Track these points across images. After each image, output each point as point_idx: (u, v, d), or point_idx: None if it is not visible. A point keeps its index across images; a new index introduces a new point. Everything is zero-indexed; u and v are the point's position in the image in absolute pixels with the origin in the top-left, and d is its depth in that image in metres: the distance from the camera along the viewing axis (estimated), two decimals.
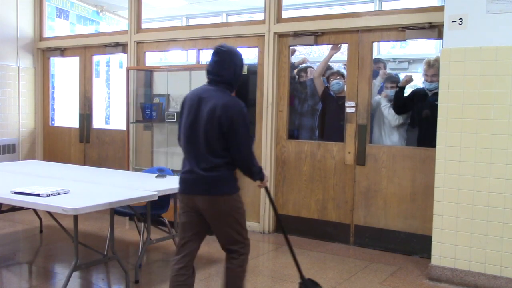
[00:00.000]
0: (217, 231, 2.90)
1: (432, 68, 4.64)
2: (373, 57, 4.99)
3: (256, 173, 2.96)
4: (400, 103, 4.85)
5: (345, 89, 5.06)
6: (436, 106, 3.98)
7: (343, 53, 5.60)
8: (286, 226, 5.32)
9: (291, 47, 5.32)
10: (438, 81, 4.61)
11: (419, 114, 4.81)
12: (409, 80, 4.92)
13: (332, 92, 5.29)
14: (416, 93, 4.92)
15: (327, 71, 5.43)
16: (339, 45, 5.14)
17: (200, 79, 5.55)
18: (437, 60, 4.58)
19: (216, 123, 2.73)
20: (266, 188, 3.21)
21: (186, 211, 2.90)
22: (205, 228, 2.94)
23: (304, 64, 5.76)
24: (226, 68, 2.85)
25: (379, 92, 5.11)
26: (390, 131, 4.93)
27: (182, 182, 2.89)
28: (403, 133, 4.91)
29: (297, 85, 5.67)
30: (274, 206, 3.52)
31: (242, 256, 2.92)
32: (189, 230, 2.91)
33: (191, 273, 2.91)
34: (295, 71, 5.68)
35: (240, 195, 2.95)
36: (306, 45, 5.42)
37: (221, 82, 2.86)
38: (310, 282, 3.33)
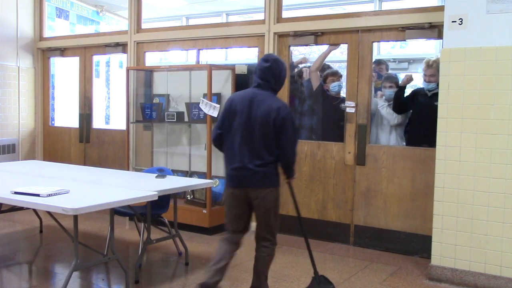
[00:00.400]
0: (260, 219, 3.30)
1: (431, 68, 4.65)
2: (375, 58, 5.00)
3: (293, 171, 3.37)
4: (400, 103, 4.85)
5: (342, 90, 5.07)
6: (435, 106, 3.98)
7: (343, 53, 5.60)
8: (284, 226, 5.34)
9: (290, 47, 5.32)
10: (436, 81, 4.64)
11: (418, 114, 4.81)
12: (409, 79, 4.92)
13: (329, 92, 5.27)
14: (416, 93, 4.92)
15: (327, 71, 5.42)
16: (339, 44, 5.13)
17: (200, 79, 5.59)
18: (436, 61, 4.58)
19: (271, 124, 3.14)
20: (290, 185, 3.51)
21: (237, 204, 3.29)
22: (250, 218, 3.38)
23: (304, 65, 5.74)
24: (274, 75, 3.25)
25: (376, 91, 5.13)
26: (389, 131, 4.93)
27: (234, 177, 3.26)
28: (401, 133, 4.92)
29: (297, 85, 5.67)
30: (296, 205, 3.63)
31: (273, 246, 3.35)
32: (240, 220, 3.34)
33: (235, 250, 3.43)
34: (295, 70, 5.66)
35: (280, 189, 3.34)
36: (306, 45, 5.42)
37: (269, 87, 3.25)
38: (323, 278, 3.58)
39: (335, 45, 5.18)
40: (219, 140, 3.33)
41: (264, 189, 3.20)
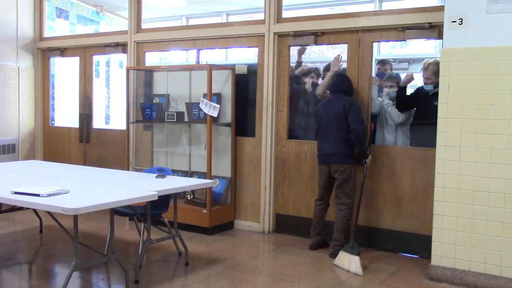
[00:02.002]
0: (339, 187, 4.58)
1: (426, 71, 4.68)
2: (378, 58, 4.99)
3: (363, 152, 4.54)
4: (401, 102, 4.86)
5: None
6: (434, 106, 3.97)
7: (343, 53, 5.59)
8: (286, 225, 5.34)
9: (291, 47, 5.31)
10: (432, 83, 4.68)
11: (420, 113, 4.83)
12: (410, 79, 4.93)
13: None
14: (419, 91, 4.93)
15: (324, 72, 5.40)
16: (341, 65, 4.95)
17: (200, 79, 5.59)
18: (431, 63, 4.62)
19: (343, 116, 4.49)
20: (365, 166, 4.59)
21: (321, 174, 4.70)
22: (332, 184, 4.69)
23: (305, 66, 5.66)
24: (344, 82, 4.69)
25: (379, 92, 5.11)
26: (394, 130, 4.93)
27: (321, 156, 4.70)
28: (406, 132, 4.92)
29: (297, 85, 5.65)
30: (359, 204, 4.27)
31: (348, 210, 4.54)
32: (321, 188, 4.75)
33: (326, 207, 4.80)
34: (297, 71, 5.61)
35: (355, 167, 4.58)
36: (306, 45, 5.41)
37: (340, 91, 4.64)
38: (355, 245, 4.34)
39: (337, 63, 4.92)
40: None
41: (343, 165, 4.59)
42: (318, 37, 5.10)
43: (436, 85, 4.42)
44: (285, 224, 5.36)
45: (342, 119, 4.49)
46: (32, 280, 4.02)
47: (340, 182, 4.53)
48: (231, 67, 5.56)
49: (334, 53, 6.09)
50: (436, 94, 4.39)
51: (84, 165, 6.38)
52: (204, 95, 5.38)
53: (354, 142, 4.48)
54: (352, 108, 4.48)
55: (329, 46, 5.30)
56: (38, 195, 3.31)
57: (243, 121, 5.53)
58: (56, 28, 7.46)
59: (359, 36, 4.87)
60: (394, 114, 4.89)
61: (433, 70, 4.67)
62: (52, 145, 7.08)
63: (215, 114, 5.24)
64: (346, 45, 4.99)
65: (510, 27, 3.62)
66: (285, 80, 5.29)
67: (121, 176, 4.68)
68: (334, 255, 4.45)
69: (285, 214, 5.33)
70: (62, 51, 6.94)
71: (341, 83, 4.66)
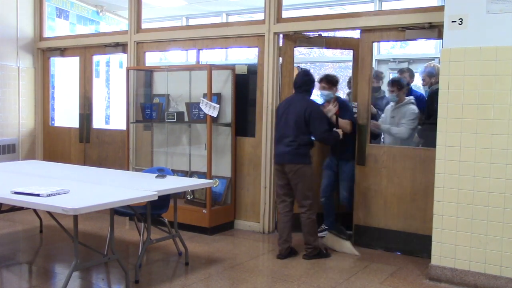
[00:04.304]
0: (295, 188, 4.42)
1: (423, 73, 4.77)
2: (402, 67, 5.00)
3: (329, 141, 4.65)
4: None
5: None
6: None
7: (343, 53, 5.61)
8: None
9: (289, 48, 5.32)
10: (426, 85, 4.69)
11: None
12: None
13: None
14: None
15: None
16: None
17: (200, 79, 5.59)
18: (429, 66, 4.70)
19: (303, 121, 4.36)
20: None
21: (277, 175, 4.57)
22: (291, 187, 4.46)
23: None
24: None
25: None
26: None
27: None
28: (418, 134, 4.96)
29: None
30: None
31: (310, 211, 4.40)
32: (281, 189, 4.53)
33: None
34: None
35: (312, 167, 4.46)
36: (307, 46, 5.42)
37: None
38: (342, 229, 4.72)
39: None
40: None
41: (296, 165, 4.44)
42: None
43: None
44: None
45: (301, 123, 4.35)
46: (32, 280, 4.02)
47: (296, 183, 4.38)
48: (231, 67, 5.56)
49: (334, 52, 6.09)
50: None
51: (84, 165, 6.37)
52: (204, 95, 5.38)
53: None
54: (313, 116, 4.33)
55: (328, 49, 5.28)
56: (38, 195, 3.31)
57: (243, 121, 5.53)
58: (56, 28, 7.46)
59: (359, 36, 4.85)
60: (403, 133, 4.89)
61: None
62: (52, 145, 7.07)
63: (215, 114, 5.24)
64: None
65: (510, 27, 3.62)
66: (289, 81, 5.27)
67: (121, 176, 4.68)
68: (307, 256, 4.44)
69: None
70: (62, 51, 6.94)
71: (305, 84, 4.50)
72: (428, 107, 4.85)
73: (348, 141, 4.76)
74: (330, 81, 4.83)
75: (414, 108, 4.87)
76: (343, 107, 4.80)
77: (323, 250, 4.55)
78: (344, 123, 4.70)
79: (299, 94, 4.50)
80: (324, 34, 5.34)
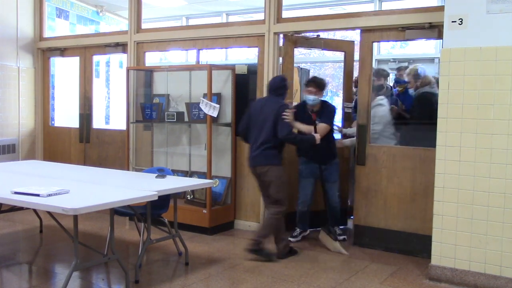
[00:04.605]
0: (268, 189, 4.43)
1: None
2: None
3: (306, 142, 4.53)
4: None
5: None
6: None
7: (342, 53, 5.60)
8: (286, 225, 5.33)
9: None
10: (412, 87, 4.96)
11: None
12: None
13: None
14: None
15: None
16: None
17: (200, 79, 5.58)
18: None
19: (273, 122, 4.35)
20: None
21: (254, 177, 4.57)
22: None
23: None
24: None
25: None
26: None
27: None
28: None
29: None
30: None
31: (278, 208, 4.41)
32: (262, 191, 4.59)
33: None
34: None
35: (282, 168, 4.43)
36: (310, 48, 5.42)
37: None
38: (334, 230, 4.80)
39: None
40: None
41: (266, 166, 4.44)
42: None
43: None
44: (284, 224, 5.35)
45: (270, 125, 4.34)
46: (32, 280, 4.02)
47: (267, 184, 4.41)
48: (231, 67, 5.56)
49: (334, 53, 6.09)
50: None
51: (84, 165, 6.37)
52: (204, 95, 5.38)
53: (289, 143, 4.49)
54: (280, 117, 4.31)
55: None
56: (38, 195, 3.31)
57: None
58: (56, 28, 7.46)
59: (358, 36, 4.85)
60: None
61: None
62: (52, 145, 7.07)
63: (215, 114, 5.24)
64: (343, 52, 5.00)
65: (510, 27, 3.62)
66: (289, 81, 5.26)
67: (121, 176, 4.68)
68: (250, 251, 4.40)
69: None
70: (62, 51, 6.94)
71: (281, 88, 4.51)
72: (414, 109, 4.92)
73: (326, 144, 4.72)
74: (318, 85, 4.76)
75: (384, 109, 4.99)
76: (322, 111, 4.74)
77: (269, 251, 4.46)
78: (321, 127, 4.61)
79: (274, 96, 4.49)
80: (324, 34, 5.34)
